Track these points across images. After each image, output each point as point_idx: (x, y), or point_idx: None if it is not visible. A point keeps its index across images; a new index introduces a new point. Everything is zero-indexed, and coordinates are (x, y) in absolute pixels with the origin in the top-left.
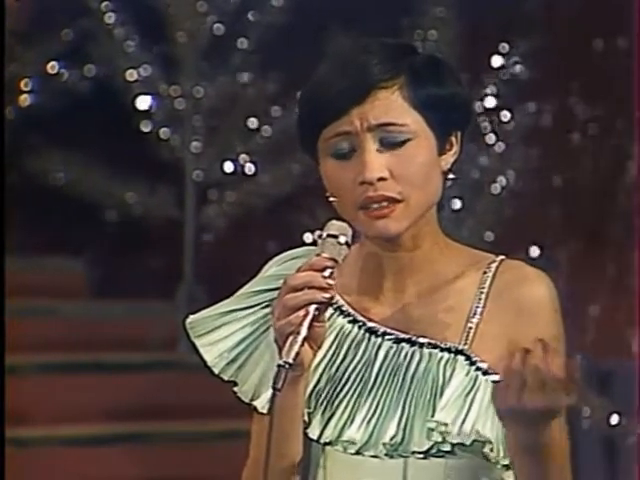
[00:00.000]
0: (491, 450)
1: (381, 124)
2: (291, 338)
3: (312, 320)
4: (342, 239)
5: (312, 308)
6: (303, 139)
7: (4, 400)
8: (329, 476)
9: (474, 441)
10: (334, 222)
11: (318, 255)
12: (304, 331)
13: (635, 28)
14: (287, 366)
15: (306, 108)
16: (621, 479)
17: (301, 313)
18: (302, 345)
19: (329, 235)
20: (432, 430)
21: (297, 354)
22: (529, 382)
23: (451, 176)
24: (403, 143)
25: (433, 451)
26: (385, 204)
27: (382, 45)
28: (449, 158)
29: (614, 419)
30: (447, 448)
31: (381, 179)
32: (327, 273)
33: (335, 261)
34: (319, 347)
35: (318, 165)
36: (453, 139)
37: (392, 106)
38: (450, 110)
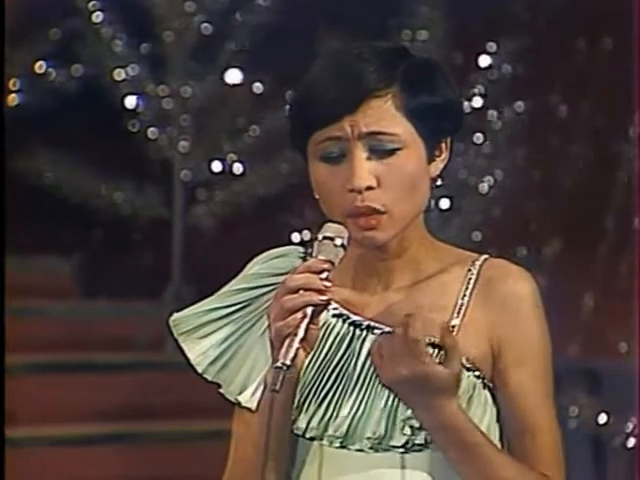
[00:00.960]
0: None
1: (372, 132)
2: (288, 340)
3: (309, 322)
4: (338, 241)
5: (309, 310)
6: (294, 139)
7: (3, 400)
8: (325, 472)
9: None
10: (330, 224)
11: (314, 257)
12: (301, 333)
13: (635, 27)
14: (285, 367)
15: (298, 111)
16: (609, 478)
17: (298, 315)
18: (299, 347)
19: (325, 237)
20: (404, 424)
21: (295, 356)
22: (396, 351)
23: (439, 182)
24: (393, 152)
25: (409, 445)
26: (371, 215)
27: (377, 51)
28: (439, 164)
29: (602, 418)
30: (421, 441)
31: (369, 188)
32: (324, 275)
33: (332, 263)
34: (312, 349)
35: (307, 164)
36: (443, 145)
37: (384, 115)
38: (442, 118)
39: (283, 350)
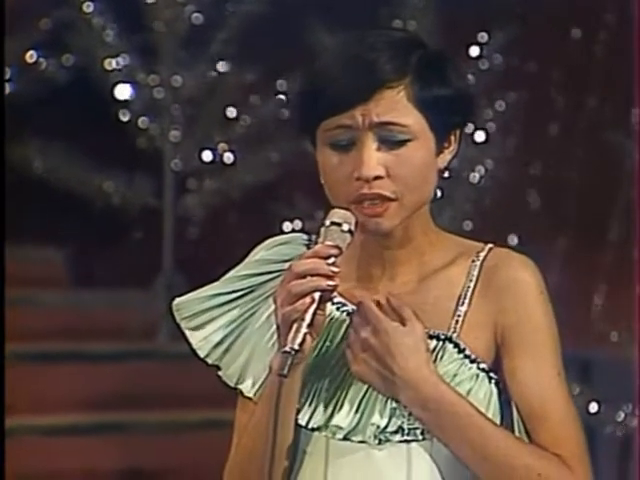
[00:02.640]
0: None
1: (383, 122)
2: (296, 325)
3: (316, 308)
4: (345, 227)
5: (317, 295)
6: (302, 125)
7: (3, 389)
8: (331, 467)
9: None
10: (337, 210)
11: (321, 242)
12: (309, 318)
13: (634, 17)
14: (293, 352)
15: (308, 98)
16: (599, 467)
17: (307, 300)
18: (307, 332)
19: (333, 223)
20: (394, 412)
21: (303, 341)
22: (358, 329)
23: (446, 175)
24: (403, 143)
25: (406, 432)
26: (378, 202)
27: (391, 41)
28: (447, 156)
29: (593, 407)
30: (419, 428)
31: (377, 177)
32: (331, 260)
33: (339, 249)
34: (318, 335)
35: (315, 150)
36: (452, 137)
37: (396, 106)
38: (454, 111)
39: (291, 335)
